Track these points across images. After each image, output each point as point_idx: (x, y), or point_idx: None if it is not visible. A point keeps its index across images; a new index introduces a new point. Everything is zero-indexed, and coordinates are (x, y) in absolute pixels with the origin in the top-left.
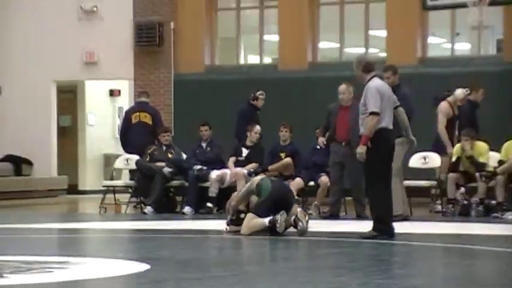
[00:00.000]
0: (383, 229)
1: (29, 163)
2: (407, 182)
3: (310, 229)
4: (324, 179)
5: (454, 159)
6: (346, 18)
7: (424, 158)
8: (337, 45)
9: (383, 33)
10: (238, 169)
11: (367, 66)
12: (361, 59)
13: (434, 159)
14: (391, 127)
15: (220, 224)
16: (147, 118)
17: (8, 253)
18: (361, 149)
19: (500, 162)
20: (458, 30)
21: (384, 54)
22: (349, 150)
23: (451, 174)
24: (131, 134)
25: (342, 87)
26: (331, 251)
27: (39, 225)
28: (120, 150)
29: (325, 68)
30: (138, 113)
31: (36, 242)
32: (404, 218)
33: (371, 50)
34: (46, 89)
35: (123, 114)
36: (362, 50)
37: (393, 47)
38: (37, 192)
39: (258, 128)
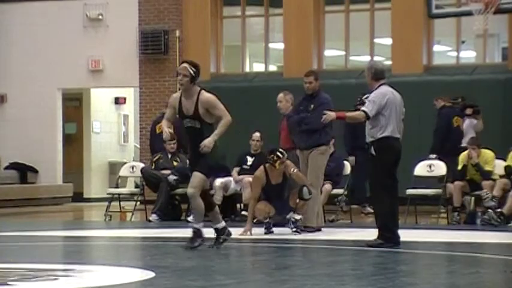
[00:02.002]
0: (388, 237)
1: (35, 171)
2: (412, 191)
3: (314, 237)
4: (327, 186)
5: (460, 167)
6: (351, 26)
7: (430, 166)
8: (343, 53)
9: (388, 41)
10: (243, 177)
11: (377, 74)
12: (371, 66)
13: (440, 167)
14: (396, 135)
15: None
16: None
17: (13, 261)
18: (330, 116)
19: (507, 168)
20: (463, 38)
21: (389, 62)
22: (291, 157)
23: (456, 183)
24: (156, 144)
25: (280, 95)
26: (336, 259)
27: (45, 233)
28: (125, 158)
29: (330, 76)
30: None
31: (41, 249)
32: (318, 229)
33: (376, 58)
34: (52, 97)
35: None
36: (367, 58)
37: (398, 55)
38: (42, 200)
39: (255, 135)
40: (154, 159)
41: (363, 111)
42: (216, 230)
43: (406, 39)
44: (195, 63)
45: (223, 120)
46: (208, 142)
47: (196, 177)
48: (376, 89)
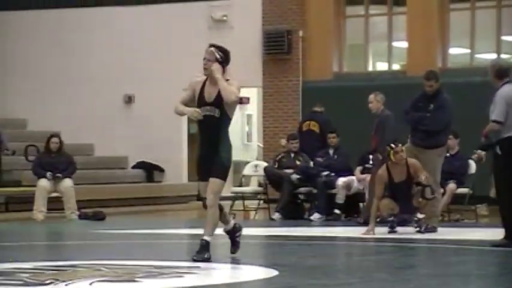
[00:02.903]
0: None
1: (161, 170)
2: None
3: (437, 236)
4: (451, 186)
5: None
6: (477, 23)
7: None
8: (468, 51)
9: None
10: (366, 176)
11: (500, 72)
12: (494, 64)
13: None
14: None
15: (347, 231)
16: (315, 127)
17: (140, 258)
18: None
19: None
20: None
21: None
22: (375, 159)
23: None
24: (302, 141)
25: (371, 96)
26: (460, 259)
27: (170, 231)
28: (249, 157)
29: (455, 74)
30: (308, 122)
31: (167, 247)
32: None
33: (502, 56)
34: (177, 98)
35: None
36: (493, 56)
37: None
38: (168, 199)
39: None
40: (278, 158)
41: (494, 121)
42: (202, 240)
43: None
44: (223, 48)
45: (233, 88)
46: (217, 67)
47: (216, 184)
48: (499, 88)
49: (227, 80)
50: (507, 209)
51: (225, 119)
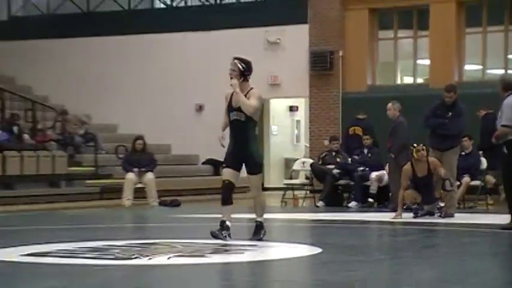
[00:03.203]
0: None
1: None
2: None
3: (454, 221)
4: (466, 179)
5: None
6: (488, 44)
7: None
8: (480, 67)
9: None
10: None
11: (506, 85)
12: (501, 79)
13: None
14: None
15: (379, 216)
16: (359, 131)
17: (208, 237)
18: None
19: None
20: None
21: None
22: (389, 158)
23: None
24: (348, 143)
25: (389, 105)
26: (473, 240)
27: (232, 215)
28: (297, 155)
29: (469, 86)
30: (353, 127)
31: (231, 229)
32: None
33: (509, 71)
34: None
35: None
36: (501, 72)
37: None
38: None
39: None
40: (321, 156)
41: (504, 125)
42: (222, 222)
43: None
44: (245, 59)
45: (251, 102)
46: (235, 83)
47: (255, 179)
48: (505, 98)
49: (251, 88)
50: None
51: (250, 122)
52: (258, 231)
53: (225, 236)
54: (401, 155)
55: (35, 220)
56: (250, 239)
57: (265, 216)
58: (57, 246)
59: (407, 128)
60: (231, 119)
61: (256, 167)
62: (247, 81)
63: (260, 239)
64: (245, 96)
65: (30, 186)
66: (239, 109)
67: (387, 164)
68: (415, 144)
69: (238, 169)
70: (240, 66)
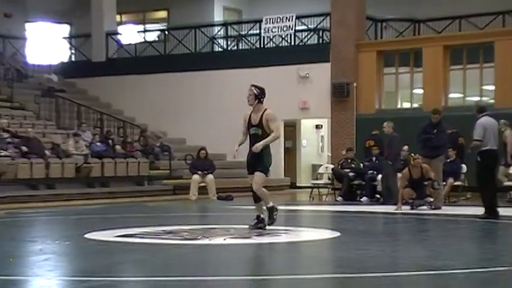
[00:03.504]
0: (491, 213)
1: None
2: None
3: (441, 212)
4: (450, 180)
5: None
6: (467, 78)
7: None
8: (461, 95)
9: (491, 87)
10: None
11: (478, 109)
12: (476, 104)
13: None
14: (493, 148)
15: (384, 208)
16: (372, 143)
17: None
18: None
19: None
20: None
21: (492, 101)
22: (385, 165)
23: None
24: (366, 153)
25: (385, 123)
26: (456, 226)
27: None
28: (322, 162)
29: (453, 110)
30: (369, 141)
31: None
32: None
33: (484, 98)
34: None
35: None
36: (477, 99)
37: (500, 95)
38: (272, 188)
39: (405, 147)
40: (340, 162)
41: (476, 139)
42: (258, 216)
43: (507, 86)
44: (260, 86)
45: (273, 134)
46: (258, 144)
47: (259, 176)
48: (479, 118)
49: (265, 109)
50: (486, 195)
51: (265, 135)
52: (271, 215)
53: (271, 223)
54: (396, 161)
55: (125, 210)
56: (269, 224)
57: (298, 208)
58: (141, 230)
59: (400, 140)
60: (251, 133)
61: (262, 167)
62: (262, 103)
63: (274, 220)
64: (262, 115)
65: (122, 184)
66: (257, 125)
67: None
68: (412, 154)
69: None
70: (255, 91)
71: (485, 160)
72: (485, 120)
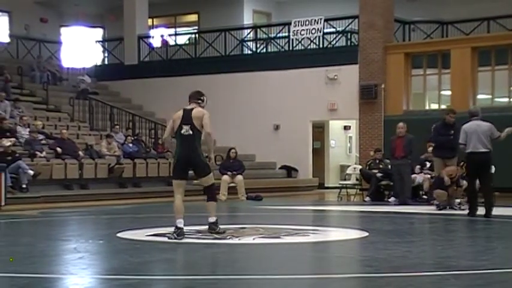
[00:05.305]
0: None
1: (296, 170)
2: None
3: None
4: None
5: None
6: (496, 79)
7: None
8: (490, 96)
9: None
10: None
11: (469, 114)
12: (468, 109)
13: None
14: (475, 150)
15: (412, 208)
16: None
17: (283, 223)
18: None
19: None
20: None
21: None
22: (403, 162)
23: None
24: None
25: (400, 124)
26: (482, 226)
27: (301, 207)
28: (350, 162)
29: (481, 111)
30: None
31: (299, 217)
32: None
33: None
34: (306, 126)
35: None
36: (506, 100)
37: None
38: (300, 188)
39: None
40: (368, 163)
41: (459, 143)
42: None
43: None
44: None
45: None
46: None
47: (208, 177)
48: (466, 122)
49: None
50: (471, 195)
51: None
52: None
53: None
54: (415, 161)
55: (157, 210)
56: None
57: (326, 208)
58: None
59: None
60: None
61: (206, 167)
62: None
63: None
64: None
65: (153, 185)
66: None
67: (418, 166)
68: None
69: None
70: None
71: (467, 162)
72: (468, 125)
